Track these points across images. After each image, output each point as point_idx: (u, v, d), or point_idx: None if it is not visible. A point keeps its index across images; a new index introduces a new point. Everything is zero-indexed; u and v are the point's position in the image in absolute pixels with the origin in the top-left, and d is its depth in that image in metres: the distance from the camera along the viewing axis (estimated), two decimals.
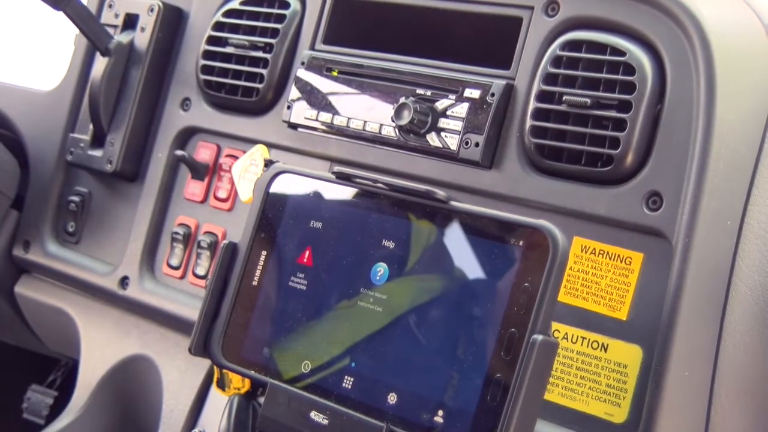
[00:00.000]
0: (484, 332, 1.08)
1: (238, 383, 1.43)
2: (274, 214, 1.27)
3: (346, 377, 1.16)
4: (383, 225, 1.19)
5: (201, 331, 1.26)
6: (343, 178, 1.23)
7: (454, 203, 1.15)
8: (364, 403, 1.14)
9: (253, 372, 1.23)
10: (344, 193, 1.23)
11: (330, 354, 1.18)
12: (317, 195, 1.25)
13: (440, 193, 1.15)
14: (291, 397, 1.19)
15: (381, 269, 1.18)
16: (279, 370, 1.21)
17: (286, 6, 1.63)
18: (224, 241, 1.28)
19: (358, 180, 1.22)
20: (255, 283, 1.26)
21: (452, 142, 1.39)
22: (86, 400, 1.76)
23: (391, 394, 1.13)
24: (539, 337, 1.04)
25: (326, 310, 1.20)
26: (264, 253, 1.26)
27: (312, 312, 1.21)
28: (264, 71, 1.62)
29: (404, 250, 1.17)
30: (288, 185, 1.27)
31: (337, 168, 1.23)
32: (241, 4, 1.68)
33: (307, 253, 1.23)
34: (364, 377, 1.15)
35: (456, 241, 1.14)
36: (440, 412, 1.09)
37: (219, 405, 1.52)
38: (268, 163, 1.41)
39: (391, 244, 1.18)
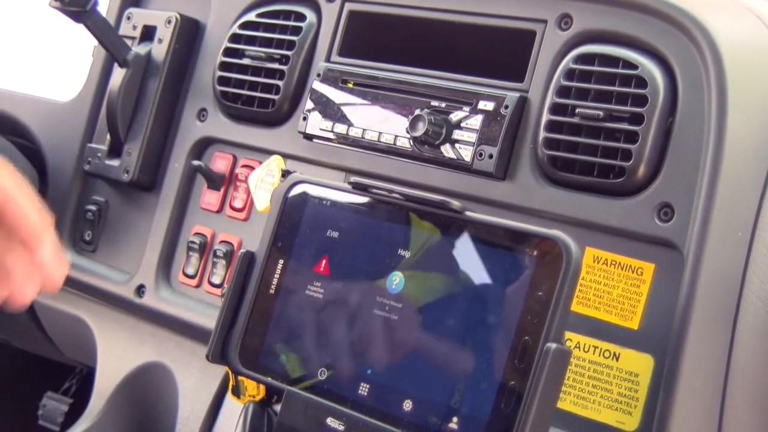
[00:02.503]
0: (498, 340, 1.10)
1: (253, 391, 1.44)
2: (291, 224, 1.28)
3: (362, 384, 1.18)
4: (399, 235, 1.21)
5: (218, 338, 1.28)
6: (360, 189, 1.25)
7: (469, 213, 1.16)
8: (379, 409, 1.15)
9: (269, 379, 1.25)
10: (360, 203, 1.25)
11: (346, 361, 1.20)
12: (334, 205, 1.27)
13: (455, 203, 1.17)
14: (307, 404, 1.20)
15: (396, 278, 1.19)
16: (295, 377, 1.23)
17: (302, 18, 1.64)
18: (242, 250, 1.29)
19: (374, 190, 1.24)
20: (272, 291, 1.27)
21: (466, 153, 1.41)
22: (102, 406, 1.77)
23: (406, 401, 1.14)
24: (553, 346, 1.05)
25: (342, 318, 1.22)
26: (281, 261, 1.28)
27: (328, 320, 1.23)
28: (280, 83, 1.63)
29: (419, 260, 1.19)
30: (305, 195, 1.29)
31: (354, 178, 1.25)
32: (258, 16, 1.70)
33: (324, 262, 1.25)
34: (379, 384, 1.17)
35: (471, 250, 1.15)
36: (454, 419, 1.10)
37: (234, 412, 1.54)
38: (285, 173, 1.43)
39: (406, 254, 1.19)
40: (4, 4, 2.17)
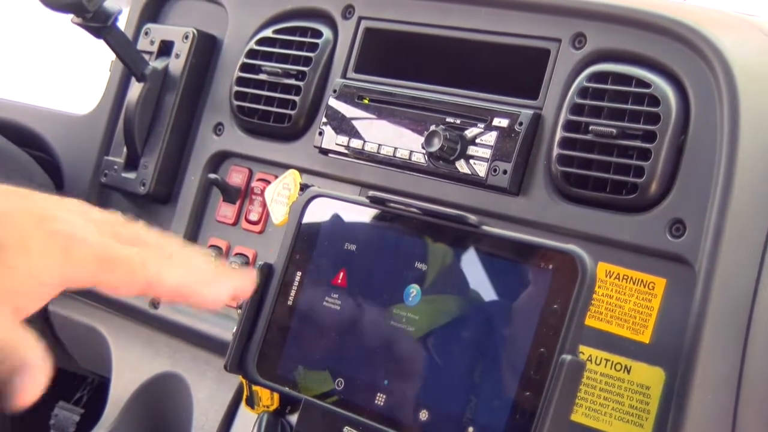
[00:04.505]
0: (514, 352, 1.11)
1: (267, 401, 1.45)
2: (309, 237, 1.30)
3: (378, 394, 1.19)
4: (415, 248, 1.22)
5: (237, 349, 1.29)
6: (377, 202, 1.26)
7: (485, 228, 1.18)
8: (396, 419, 1.17)
9: (287, 389, 1.26)
10: (378, 216, 1.27)
11: (363, 372, 1.21)
12: (351, 218, 1.28)
13: (472, 217, 1.18)
14: (325, 414, 1.22)
15: (413, 290, 1.21)
16: (313, 386, 1.24)
17: (319, 35, 1.66)
18: (260, 262, 1.31)
19: (391, 204, 1.25)
20: (290, 302, 1.29)
21: (481, 169, 1.42)
22: (117, 416, 1.78)
23: (422, 411, 1.15)
24: (568, 357, 1.07)
25: (359, 329, 1.23)
26: (299, 274, 1.29)
27: (345, 331, 1.24)
28: (296, 98, 1.65)
29: (436, 272, 1.20)
30: (322, 209, 1.30)
31: (372, 192, 1.27)
32: (275, 32, 1.71)
33: (342, 274, 1.26)
34: (396, 394, 1.18)
35: (487, 264, 1.17)
36: (470, 429, 1.12)
37: (248, 422, 1.55)
38: (303, 187, 1.44)
39: (423, 267, 1.21)
40: (25, 19, 2.19)
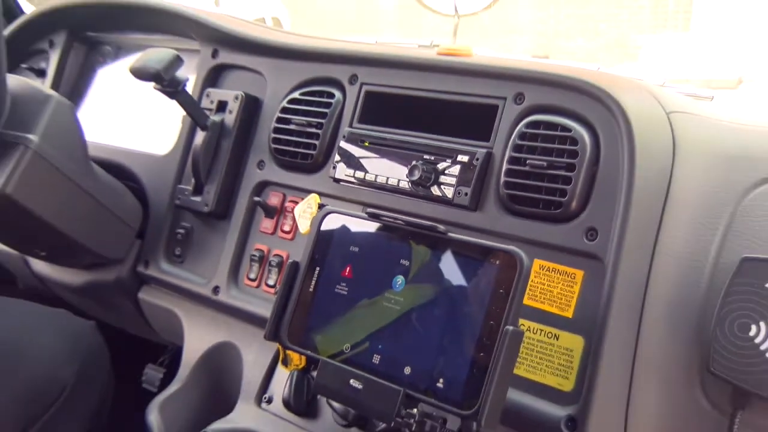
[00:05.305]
0: (472, 324, 1.12)
1: (297, 361, 1.45)
2: (325, 242, 1.31)
3: (374, 355, 1.20)
4: (401, 249, 1.23)
5: (273, 323, 1.30)
6: (374, 216, 1.27)
7: (451, 234, 1.19)
8: (387, 373, 1.18)
9: (309, 352, 1.27)
10: (374, 227, 1.28)
11: (363, 339, 1.22)
12: (355, 228, 1.29)
13: (440, 227, 1.20)
14: (336, 370, 1.23)
15: (399, 279, 1.22)
16: (328, 350, 1.25)
17: (332, 96, 1.67)
18: (289, 261, 1.32)
19: (384, 218, 1.26)
20: (311, 289, 1.30)
21: (448, 191, 1.43)
22: (188, 373, 1.78)
23: (406, 367, 1.17)
24: (510, 328, 1.08)
25: (361, 308, 1.24)
26: (317, 268, 1.30)
27: (351, 309, 1.25)
28: (316, 142, 1.66)
29: (415, 266, 1.21)
30: (335, 221, 1.31)
31: (369, 209, 1.28)
32: (300, 94, 1.72)
33: (348, 268, 1.27)
34: (387, 355, 1.19)
35: (452, 260, 1.18)
36: (441, 380, 1.13)
37: (283, 378, 1.55)
38: (321, 206, 1.45)
39: (406, 262, 1.22)
40: (124, 87, 2.20)
